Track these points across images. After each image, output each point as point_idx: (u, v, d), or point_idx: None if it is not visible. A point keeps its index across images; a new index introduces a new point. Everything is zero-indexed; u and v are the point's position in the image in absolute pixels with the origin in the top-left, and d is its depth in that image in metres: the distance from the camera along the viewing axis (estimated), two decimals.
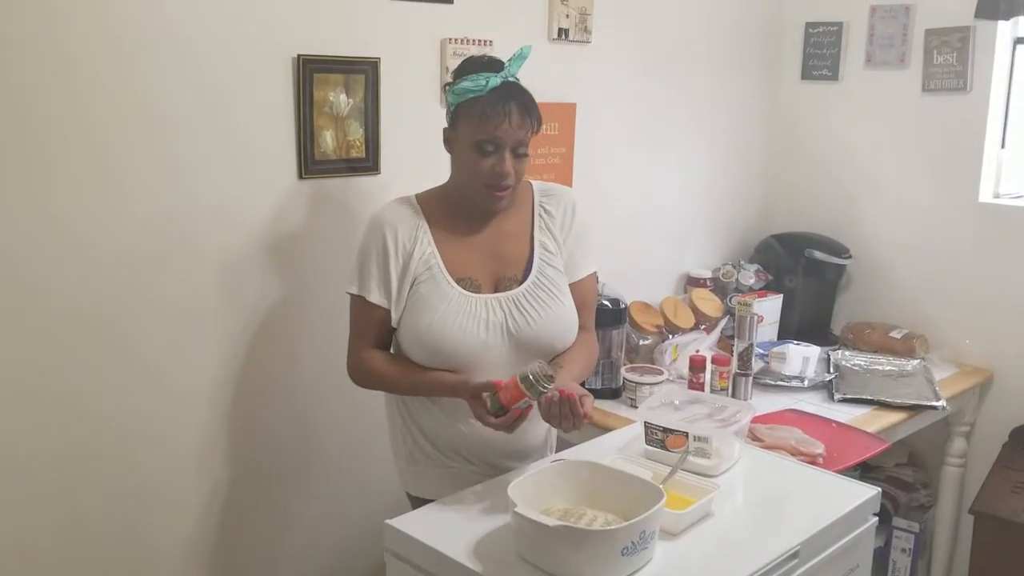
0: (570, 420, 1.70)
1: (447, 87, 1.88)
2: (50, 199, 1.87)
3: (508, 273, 1.91)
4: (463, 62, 1.90)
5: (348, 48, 2.24)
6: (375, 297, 1.87)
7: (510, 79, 1.84)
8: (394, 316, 1.87)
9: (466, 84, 1.82)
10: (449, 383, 1.81)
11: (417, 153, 2.36)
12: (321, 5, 2.19)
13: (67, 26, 1.83)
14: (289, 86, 2.16)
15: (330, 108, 2.23)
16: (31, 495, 1.94)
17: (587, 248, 2.01)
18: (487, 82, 1.80)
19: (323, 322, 2.29)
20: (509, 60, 1.86)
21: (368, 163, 2.33)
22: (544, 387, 1.67)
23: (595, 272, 2.04)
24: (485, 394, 1.72)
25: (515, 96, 1.82)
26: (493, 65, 1.86)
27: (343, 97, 2.24)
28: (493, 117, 1.79)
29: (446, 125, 1.90)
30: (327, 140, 2.24)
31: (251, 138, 2.13)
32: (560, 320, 1.91)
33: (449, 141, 1.90)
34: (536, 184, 2.02)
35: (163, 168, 2.01)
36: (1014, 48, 3.02)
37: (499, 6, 2.54)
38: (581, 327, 1.98)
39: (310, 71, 2.17)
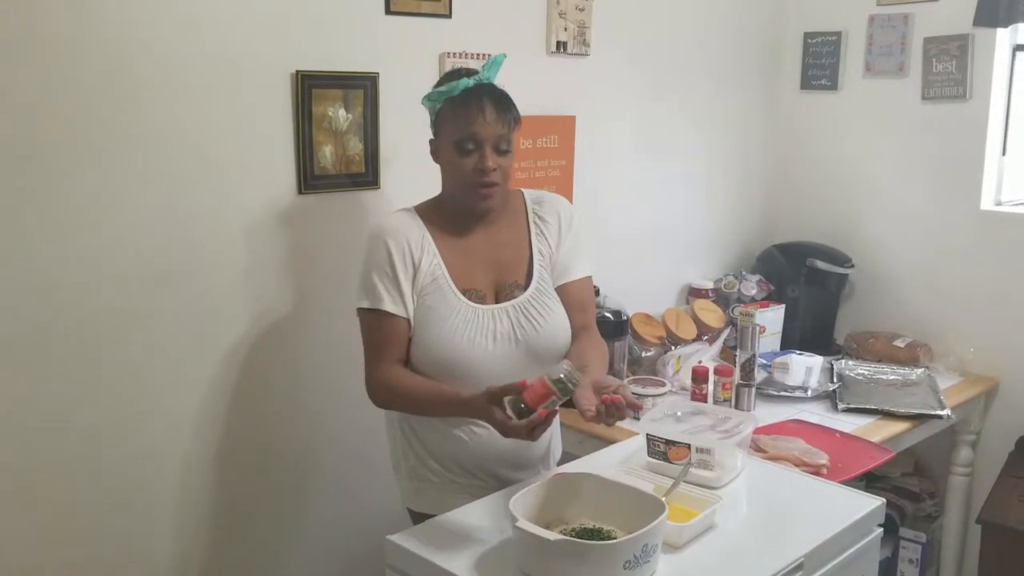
0: (615, 417, 1.64)
1: (423, 101, 1.90)
2: (48, 215, 1.87)
3: (509, 280, 1.91)
4: (441, 77, 1.94)
5: (347, 63, 2.25)
6: (390, 307, 1.83)
7: (484, 81, 1.86)
8: (413, 325, 1.86)
9: (439, 88, 1.86)
10: (464, 398, 1.72)
11: (417, 167, 2.35)
12: (319, 21, 2.19)
13: (65, 43, 1.84)
14: (288, 102, 2.17)
15: (329, 123, 2.23)
16: (30, 514, 1.93)
17: (582, 253, 2.01)
18: (459, 83, 1.83)
19: (323, 338, 2.28)
20: (483, 66, 1.88)
21: (368, 178, 2.34)
22: (572, 384, 1.58)
23: (590, 277, 2.02)
24: (507, 397, 1.60)
25: (488, 93, 1.84)
26: (469, 73, 1.88)
27: (342, 112, 2.25)
28: (467, 114, 1.81)
29: (431, 137, 1.91)
30: (326, 155, 2.24)
31: (250, 154, 2.13)
32: (562, 323, 1.92)
33: (434, 151, 1.91)
34: (526, 192, 2.03)
35: (162, 184, 2.01)
36: (1013, 55, 3.02)
37: (497, 20, 2.54)
38: (584, 327, 1.96)
39: (309, 87, 2.17)
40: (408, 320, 1.84)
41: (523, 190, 2.04)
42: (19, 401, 1.88)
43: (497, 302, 1.89)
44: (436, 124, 1.89)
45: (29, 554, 1.93)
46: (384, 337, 1.84)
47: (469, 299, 1.86)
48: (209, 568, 2.22)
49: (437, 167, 1.94)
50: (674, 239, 3.23)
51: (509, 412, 1.59)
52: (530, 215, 1.99)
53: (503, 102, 1.85)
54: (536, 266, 1.94)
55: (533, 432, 1.61)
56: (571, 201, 2.77)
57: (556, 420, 2.05)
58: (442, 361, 1.83)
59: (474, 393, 1.68)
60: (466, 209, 1.90)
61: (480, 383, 1.79)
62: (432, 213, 1.93)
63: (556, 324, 1.90)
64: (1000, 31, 2.93)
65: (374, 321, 1.85)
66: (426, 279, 1.85)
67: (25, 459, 1.91)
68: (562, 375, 1.57)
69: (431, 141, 1.91)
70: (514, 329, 1.86)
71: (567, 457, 2.09)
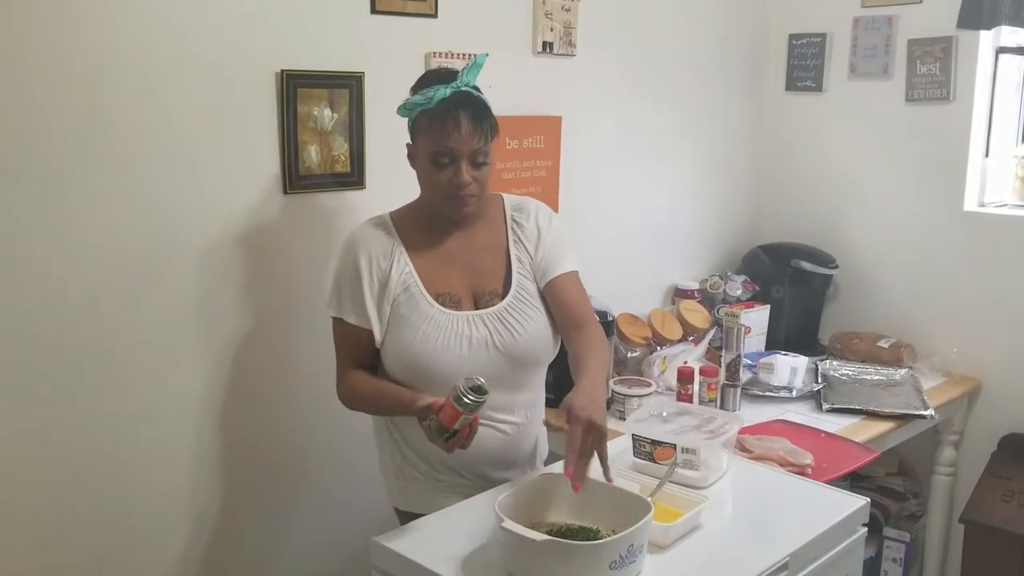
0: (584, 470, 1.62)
1: (399, 111, 1.88)
2: (31, 214, 1.86)
3: (488, 287, 1.91)
4: (420, 77, 1.90)
5: (332, 63, 2.24)
6: (352, 319, 1.87)
7: (462, 88, 1.82)
8: (377, 336, 1.87)
9: (415, 98, 1.82)
10: (404, 402, 1.78)
11: (402, 167, 2.33)
12: (305, 20, 2.18)
13: (48, 42, 1.83)
14: (273, 101, 2.16)
15: (314, 123, 2.22)
16: (13, 517, 1.91)
17: (563, 250, 1.97)
18: (435, 94, 1.80)
19: (310, 337, 2.27)
20: (463, 69, 1.85)
21: (353, 178, 2.33)
22: (476, 399, 1.58)
23: (575, 272, 1.97)
24: (431, 416, 1.65)
25: (464, 105, 1.80)
26: (447, 77, 1.85)
27: (327, 112, 2.24)
28: (442, 128, 1.79)
29: (408, 141, 1.91)
30: (312, 155, 2.23)
31: (235, 154, 2.12)
32: (542, 331, 1.91)
33: (411, 156, 1.90)
34: (506, 197, 2.02)
35: (147, 183, 2.00)
36: (996, 57, 3.03)
37: (483, 20, 2.54)
38: (578, 325, 1.89)
39: (294, 86, 2.16)
40: (369, 331, 1.86)
41: (504, 195, 2.03)
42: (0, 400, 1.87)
43: (476, 308, 1.89)
44: (412, 131, 1.87)
45: (12, 558, 1.92)
46: (347, 344, 1.91)
47: (443, 304, 1.85)
48: (195, 568, 2.21)
49: None
50: (660, 240, 3.23)
51: (435, 431, 1.65)
52: (509, 221, 1.98)
53: (479, 113, 1.81)
54: (515, 273, 1.93)
55: (463, 445, 1.68)
56: (557, 201, 2.79)
57: (540, 419, 2.05)
58: (414, 366, 1.83)
59: (410, 399, 1.75)
60: (442, 216, 1.90)
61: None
62: (408, 218, 1.93)
63: (535, 331, 1.89)
64: (983, 33, 2.95)
65: (339, 329, 1.91)
66: (398, 288, 1.86)
67: (6, 460, 1.89)
68: (459, 393, 1.58)
69: (408, 145, 1.90)
70: (491, 335, 1.85)
71: (553, 457, 2.09)
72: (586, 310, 1.94)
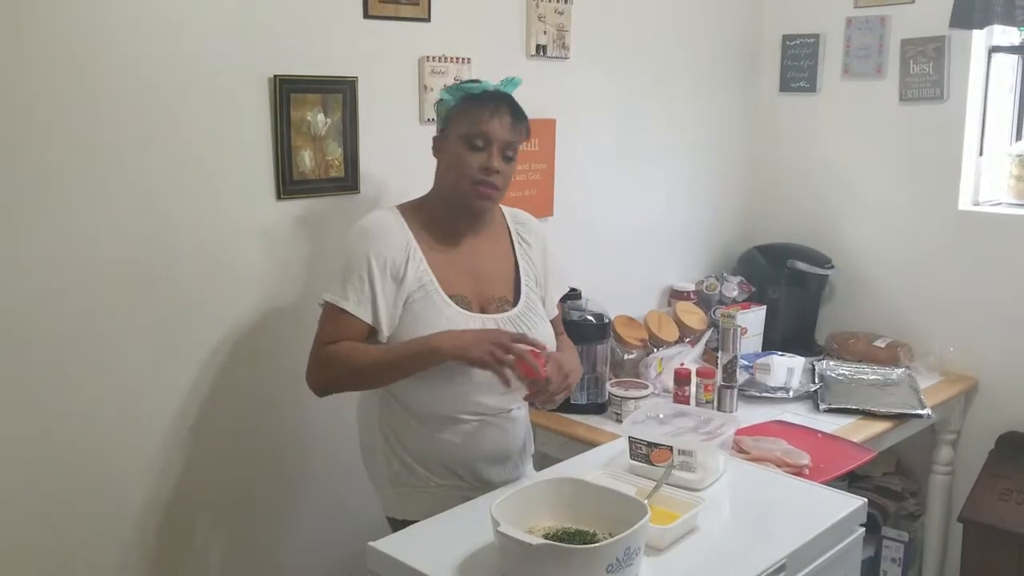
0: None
1: (442, 94, 1.95)
2: (24, 223, 1.85)
3: (496, 294, 1.94)
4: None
5: (325, 67, 2.24)
6: (351, 307, 1.83)
7: (505, 90, 1.93)
8: (385, 332, 1.85)
9: (465, 84, 1.91)
10: (420, 348, 1.79)
11: (396, 171, 2.36)
12: (297, 25, 2.18)
13: (40, 46, 1.82)
14: (266, 106, 2.16)
15: (308, 128, 2.22)
16: (10, 518, 1.91)
17: (559, 278, 2.10)
18: (484, 84, 1.90)
19: (306, 342, 2.26)
20: (500, 82, 1.94)
21: (347, 182, 2.33)
22: None
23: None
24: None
25: (509, 101, 1.90)
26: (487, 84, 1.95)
27: (321, 117, 2.24)
28: (485, 112, 1.86)
29: (435, 134, 1.95)
30: (305, 160, 2.23)
31: (228, 159, 2.12)
32: (549, 341, 1.95)
33: (438, 147, 1.93)
34: (504, 209, 2.06)
35: (139, 191, 1.99)
36: (989, 56, 3.04)
37: (477, 23, 2.54)
38: (559, 334, 2.11)
39: (287, 91, 2.16)
40: (363, 323, 1.84)
41: (500, 205, 2.05)
42: None
43: (483, 313, 1.91)
44: (446, 119, 1.91)
45: (9, 558, 1.91)
46: (337, 331, 1.85)
47: (458, 305, 1.87)
48: (190, 571, 2.21)
49: (417, 171, 1.95)
50: (655, 241, 3.23)
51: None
52: (512, 233, 2.03)
53: (518, 112, 1.91)
54: (523, 285, 1.98)
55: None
56: (552, 205, 2.80)
57: (527, 417, 2.07)
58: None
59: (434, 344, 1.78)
60: (456, 211, 1.91)
61: (470, 387, 1.85)
62: (416, 215, 1.93)
63: (543, 340, 1.91)
64: (976, 33, 2.95)
65: (332, 314, 1.86)
66: (413, 286, 1.85)
67: (3, 461, 1.88)
68: None
69: (435, 138, 1.94)
70: None
71: (549, 460, 2.09)
72: (560, 324, 2.19)
